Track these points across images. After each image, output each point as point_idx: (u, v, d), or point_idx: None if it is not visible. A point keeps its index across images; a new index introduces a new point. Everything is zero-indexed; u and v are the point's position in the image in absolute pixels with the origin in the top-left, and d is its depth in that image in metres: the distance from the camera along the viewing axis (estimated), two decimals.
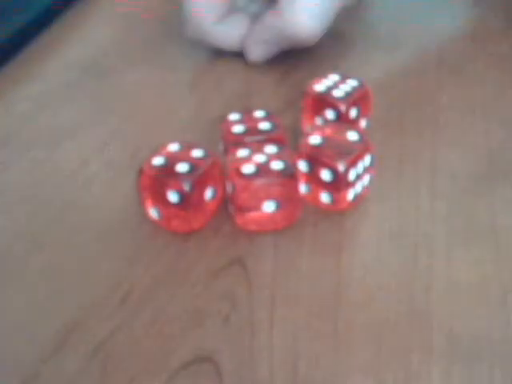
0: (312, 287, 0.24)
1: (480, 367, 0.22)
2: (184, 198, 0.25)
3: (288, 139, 0.28)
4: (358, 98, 0.30)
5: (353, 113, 0.29)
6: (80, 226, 0.28)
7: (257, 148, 0.26)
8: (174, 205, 0.25)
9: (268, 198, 0.25)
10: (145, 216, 0.27)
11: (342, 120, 0.29)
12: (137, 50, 0.39)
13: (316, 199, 0.27)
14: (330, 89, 0.30)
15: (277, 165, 0.25)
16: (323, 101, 0.29)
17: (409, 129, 0.32)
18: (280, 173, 0.25)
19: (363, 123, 0.31)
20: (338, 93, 0.29)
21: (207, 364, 0.22)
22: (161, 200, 0.26)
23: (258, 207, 0.26)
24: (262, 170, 0.25)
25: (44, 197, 0.29)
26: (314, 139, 0.27)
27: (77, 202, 0.29)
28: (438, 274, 0.25)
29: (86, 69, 0.37)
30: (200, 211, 0.26)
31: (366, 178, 0.27)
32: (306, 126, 0.30)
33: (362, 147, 0.27)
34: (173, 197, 0.25)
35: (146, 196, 0.26)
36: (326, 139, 0.27)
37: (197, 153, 0.26)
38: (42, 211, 0.28)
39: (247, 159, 0.26)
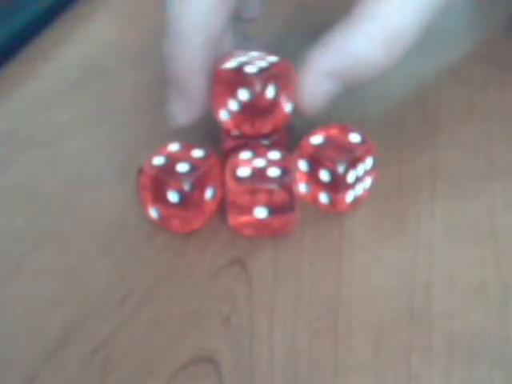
0: (312, 287, 0.24)
1: (480, 367, 0.22)
2: (184, 197, 0.25)
3: (289, 141, 0.28)
4: (275, 75, 0.26)
5: (270, 92, 0.26)
6: (80, 225, 0.28)
7: (260, 152, 0.26)
8: (173, 205, 0.25)
9: (258, 203, 0.25)
10: (144, 216, 0.27)
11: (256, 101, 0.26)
12: (137, 50, 0.39)
13: (315, 199, 0.27)
14: (242, 65, 0.27)
15: (274, 172, 0.25)
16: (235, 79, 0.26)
17: (409, 129, 0.32)
18: (275, 180, 0.25)
19: (288, 107, 0.27)
20: (251, 69, 0.26)
21: (207, 364, 0.22)
22: (161, 200, 0.26)
23: (249, 212, 0.25)
24: (258, 175, 0.25)
25: (44, 197, 0.29)
26: (316, 139, 0.27)
27: (77, 202, 0.29)
28: (438, 274, 0.25)
29: (86, 69, 0.37)
30: (200, 211, 0.26)
31: (368, 181, 0.27)
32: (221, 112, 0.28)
33: (364, 149, 0.26)
34: (173, 197, 0.25)
35: (145, 196, 0.26)
36: (327, 140, 0.27)
37: (197, 153, 0.26)
38: (41, 211, 0.28)
39: (246, 162, 0.26)
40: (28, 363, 0.22)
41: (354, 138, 0.27)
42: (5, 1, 0.41)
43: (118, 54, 0.39)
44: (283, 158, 0.26)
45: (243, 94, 0.26)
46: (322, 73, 0.26)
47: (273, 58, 0.27)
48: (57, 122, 0.33)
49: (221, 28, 0.27)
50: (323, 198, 0.27)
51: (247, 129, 0.27)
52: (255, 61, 0.27)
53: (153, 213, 0.26)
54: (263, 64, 0.27)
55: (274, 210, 0.25)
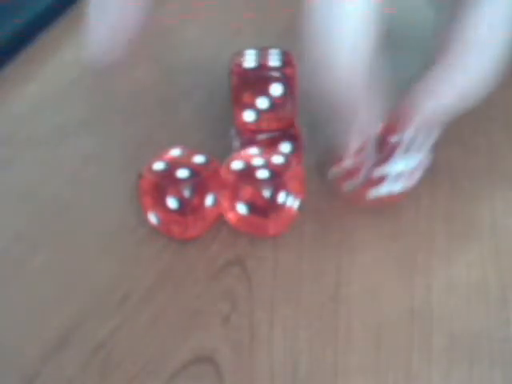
0: (312, 287, 0.24)
1: (480, 367, 0.22)
2: (183, 204, 0.25)
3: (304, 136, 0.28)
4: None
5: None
6: (80, 226, 0.28)
7: (263, 152, 0.26)
8: (172, 211, 0.25)
9: (241, 199, 0.25)
10: (144, 216, 0.27)
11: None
12: (137, 50, 0.39)
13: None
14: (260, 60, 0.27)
15: (263, 173, 0.25)
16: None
17: None
18: (261, 181, 0.25)
19: None
20: (274, 62, 0.27)
21: (207, 364, 0.22)
22: (160, 205, 0.25)
23: (233, 206, 0.26)
24: (248, 171, 0.25)
25: (44, 197, 0.29)
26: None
27: (77, 203, 0.29)
28: (438, 274, 0.25)
29: (85, 69, 0.37)
30: (199, 218, 0.26)
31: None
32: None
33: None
34: (172, 203, 0.25)
35: (145, 201, 0.26)
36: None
37: (198, 159, 0.26)
38: (41, 211, 0.28)
39: (244, 157, 0.26)
40: (28, 363, 0.22)
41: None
42: (5, 1, 0.41)
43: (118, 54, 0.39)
44: (285, 161, 0.26)
45: (276, 89, 0.26)
46: (425, 117, 0.26)
47: (274, 51, 0.27)
48: (57, 122, 0.33)
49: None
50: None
51: (276, 124, 0.27)
52: (266, 56, 0.27)
53: (152, 218, 0.26)
54: (275, 58, 0.27)
55: (253, 209, 0.25)
